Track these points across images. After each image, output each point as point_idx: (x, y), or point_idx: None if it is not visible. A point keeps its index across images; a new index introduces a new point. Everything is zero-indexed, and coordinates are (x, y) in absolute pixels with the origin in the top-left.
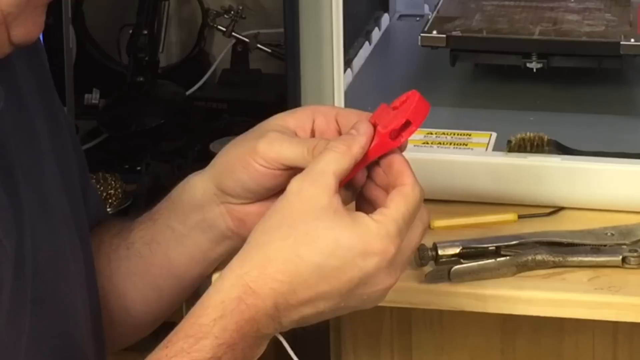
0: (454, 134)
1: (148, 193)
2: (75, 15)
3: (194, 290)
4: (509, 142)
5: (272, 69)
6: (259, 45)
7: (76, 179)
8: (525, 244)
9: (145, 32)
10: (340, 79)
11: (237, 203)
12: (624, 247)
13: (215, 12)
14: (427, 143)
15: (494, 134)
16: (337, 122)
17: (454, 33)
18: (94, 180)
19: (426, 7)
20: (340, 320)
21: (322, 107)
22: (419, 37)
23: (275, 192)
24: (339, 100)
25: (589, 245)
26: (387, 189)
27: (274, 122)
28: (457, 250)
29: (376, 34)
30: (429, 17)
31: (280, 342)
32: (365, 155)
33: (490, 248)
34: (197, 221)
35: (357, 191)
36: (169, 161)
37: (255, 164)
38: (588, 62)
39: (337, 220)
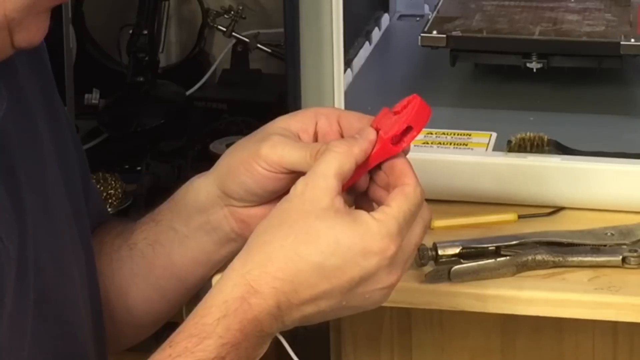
0: (454, 134)
1: (148, 193)
2: (75, 15)
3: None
4: (509, 142)
5: (272, 69)
6: (259, 45)
7: (77, 180)
8: (525, 244)
9: (145, 32)
10: (340, 79)
11: (241, 206)
12: (624, 247)
13: (215, 12)
14: (427, 143)
15: (494, 134)
16: (339, 124)
17: (454, 33)
18: (94, 180)
19: (426, 7)
20: (340, 320)
21: (324, 109)
22: (419, 37)
23: (278, 194)
24: (339, 100)
25: (589, 245)
26: (389, 190)
27: (277, 125)
28: (457, 250)
29: (376, 34)
30: (429, 17)
31: (281, 342)
32: (367, 161)
33: (490, 248)
34: (201, 223)
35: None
36: (169, 161)
37: (258, 167)
38: (588, 62)
39: (338, 219)
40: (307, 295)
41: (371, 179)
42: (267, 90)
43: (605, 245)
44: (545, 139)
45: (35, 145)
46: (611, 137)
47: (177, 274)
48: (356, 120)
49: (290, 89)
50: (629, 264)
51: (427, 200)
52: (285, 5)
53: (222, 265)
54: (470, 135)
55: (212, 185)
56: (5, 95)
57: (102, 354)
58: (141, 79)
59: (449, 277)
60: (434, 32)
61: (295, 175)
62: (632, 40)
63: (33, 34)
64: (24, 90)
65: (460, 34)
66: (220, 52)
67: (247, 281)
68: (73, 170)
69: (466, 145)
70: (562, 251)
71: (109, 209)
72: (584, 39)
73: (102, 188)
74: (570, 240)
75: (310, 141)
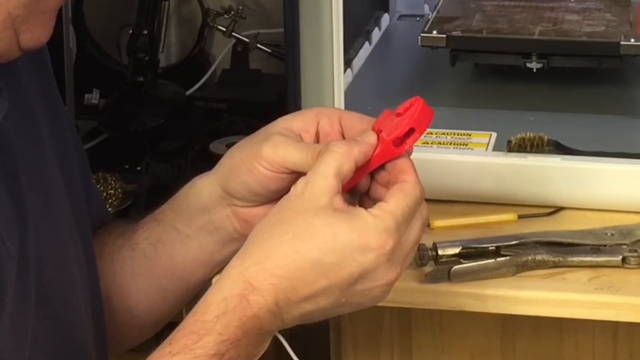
0: (454, 134)
1: (148, 193)
2: (75, 15)
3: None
4: (509, 142)
5: (272, 69)
6: (259, 45)
7: (78, 181)
8: (525, 244)
9: (145, 32)
10: (340, 79)
11: (243, 205)
12: (624, 247)
13: (215, 12)
14: (427, 143)
15: (494, 134)
16: (340, 125)
17: (454, 33)
18: (94, 181)
19: (426, 7)
20: (340, 320)
21: (326, 110)
22: (419, 37)
23: (280, 194)
24: (339, 100)
25: (589, 245)
26: (389, 188)
27: (279, 125)
28: (457, 250)
29: (376, 34)
30: (429, 17)
31: (281, 342)
32: (369, 162)
33: (490, 248)
34: (204, 223)
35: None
36: (169, 161)
37: (260, 167)
38: (588, 62)
39: (336, 216)
40: (306, 292)
41: (373, 178)
42: (267, 90)
43: (605, 245)
44: (545, 139)
45: (37, 146)
46: (611, 137)
47: (179, 274)
48: (357, 121)
49: (290, 89)
50: (629, 264)
51: (427, 200)
52: (285, 5)
53: (223, 266)
54: (470, 135)
55: (214, 185)
56: (7, 96)
57: (102, 354)
58: (141, 79)
59: (449, 277)
60: (434, 32)
61: (297, 175)
62: (632, 40)
63: (39, 33)
64: (25, 91)
65: (460, 34)
66: (220, 52)
67: (246, 278)
68: (74, 171)
69: (466, 145)
70: (562, 251)
71: (109, 209)
72: (584, 39)
73: (102, 188)
74: (570, 240)
75: (312, 141)
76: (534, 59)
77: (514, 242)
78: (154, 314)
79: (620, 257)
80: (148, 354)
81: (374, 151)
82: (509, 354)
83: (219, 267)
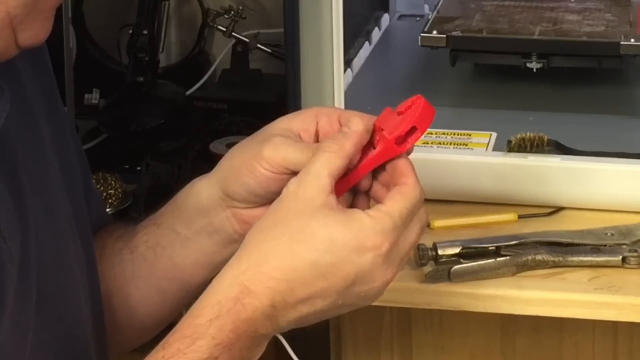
0: (454, 134)
1: (148, 193)
2: (75, 15)
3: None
4: (509, 142)
5: (272, 69)
6: (259, 45)
7: (78, 181)
8: (525, 244)
9: (145, 32)
10: (340, 79)
11: (243, 207)
12: (624, 247)
13: (215, 12)
14: (427, 143)
15: (494, 134)
16: (340, 124)
17: (454, 33)
18: (94, 181)
19: (426, 7)
20: (340, 320)
21: (325, 109)
22: (419, 37)
23: None
24: (339, 100)
25: (589, 245)
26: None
27: (278, 126)
28: (457, 250)
29: (376, 34)
30: (429, 17)
31: (281, 342)
32: (371, 161)
33: (490, 248)
34: (203, 225)
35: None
36: (169, 161)
37: (261, 168)
38: (588, 62)
39: (332, 217)
40: (304, 294)
41: (374, 178)
42: (267, 90)
43: (605, 245)
44: (545, 139)
45: (37, 146)
46: (611, 137)
47: (179, 276)
48: (357, 120)
49: (290, 89)
50: (629, 264)
51: (427, 200)
52: (285, 5)
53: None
54: (470, 135)
55: (214, 187)
56: (9, 96)
57: (103, 354)
58: (141, 79)
59: (449, 277)
60: (434, 32)
61: None
62: (632, 40)
63: (37, 32)
64: (25, 91)
65: (460, 34)
66: (220, 52)
67: (242, 281)
68: (74, 171)
69: (466, 145)
70: (562, 251)
71: (109, 209)
72: (584, 39)
73: (102, 188)
74: (570, 240)
75: (312, 141)
76: (534, 59)
77: (514, 242)
78: (155, 315)
79: (620, 257)
80: (146, 354)
81: (366, 137)
82: (509, 354)
83: (219, 268)
